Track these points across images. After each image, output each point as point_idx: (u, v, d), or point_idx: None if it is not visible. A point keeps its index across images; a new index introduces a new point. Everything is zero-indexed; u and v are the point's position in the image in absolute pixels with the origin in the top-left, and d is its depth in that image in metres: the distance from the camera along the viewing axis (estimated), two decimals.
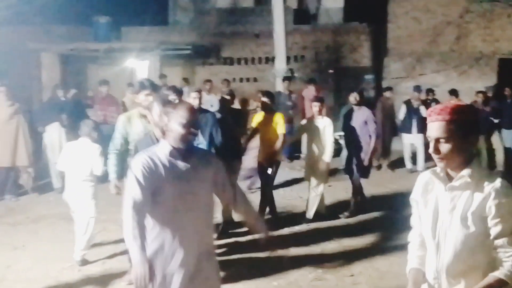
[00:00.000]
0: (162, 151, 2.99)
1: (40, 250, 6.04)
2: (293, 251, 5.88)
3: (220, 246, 6.08)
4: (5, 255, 5.80)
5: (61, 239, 6.43)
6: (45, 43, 14.05)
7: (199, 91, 6.48)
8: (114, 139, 5.05)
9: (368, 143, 7.33)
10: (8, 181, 8.43)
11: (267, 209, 7.10)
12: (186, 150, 3.01)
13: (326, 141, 7.02)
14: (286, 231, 6.68)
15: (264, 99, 7.06)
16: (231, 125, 6.60)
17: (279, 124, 6.95)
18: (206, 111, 6.47)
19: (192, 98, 6.12)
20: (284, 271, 5.28)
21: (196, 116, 3.06)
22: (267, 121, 6.95)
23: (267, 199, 7.09)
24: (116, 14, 16.08)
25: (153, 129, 4.24)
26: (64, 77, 13.97)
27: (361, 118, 7.36)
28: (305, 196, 7.52)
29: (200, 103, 6.18)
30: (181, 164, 2.99)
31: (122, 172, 4.83)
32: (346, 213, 7.31)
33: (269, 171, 7.00)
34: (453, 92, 10.24)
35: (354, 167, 7.37)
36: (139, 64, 14.92)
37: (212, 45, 16.40)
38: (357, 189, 7.51)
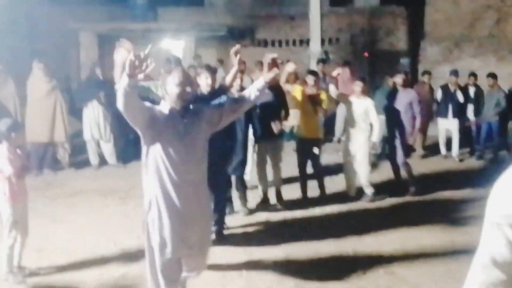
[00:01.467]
0: (163, 109, 3.41)
1: (78, 223, 6.23)
2: (325, 232, 5.95)
3: (251, 226, 6.20)
4: (44, 226, 5.98)
5: (97, 213, 6.64)
6: (84, 23, 14.29)
7: (241, 71, 6.53)
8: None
9: (412, 124, 7.34)
10: (47, 156, 8.67)
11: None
12: (183, 109, 3.40)
13: (372, 121, 7.04)
14: (317, 211, 6.73)
15: (310, 76, 7.07)
16: (271, 104, 6.58)
17: (324, 100, 6.98)
18: (219, 90, 6.45)
19: (204, 78, 6.00)
20: (316, 251, 5.36)
21: (189, 78, 3.46)
22: (310, 98, 6.93)
23: (319, 177, 7.23)
24: None
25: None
26: (102, 56, 14.19)
27: (406, 99, 7.35)
28: (337, 178, 7.55)
29: (213, 83, 6.16)
30: (178, 120, 3.38)
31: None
32: (412, 189, 7.38)
33: (316, 150, 7.05)
34: (492, 76, 10.02)
35: (398, 148, 7.37)
36: (175, 45, 15.05)
37: (247, 27, 16.40)
38: (407, 169, 7.49)
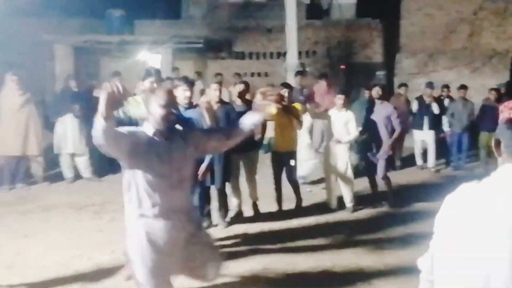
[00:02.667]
0: (146, 131, 3.30)
1: (50, 238, 6.09)
2: (301, 243, 5.92)
3: (228, 239, 6.14)
4: (16, 242, 5.85)
5: (71, 228, 6.51)
6: (59, 35, 14.16)
7: (220, 83, 6.53)
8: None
9: (389, 137, 7.38)
10: (19, 170, 8.51)
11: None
12: (167, 131, 3.30)
13: (351, 132, 7.10)
14: (294, 223, 6.70)
15: (283, 90, 7.05)
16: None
17: (300, 113, 7.00)
18: (226, 103, 6.50)
19: (212, 90, 6.19)
20: (293, 262, 5.32)
21: (173, 98, 3.45)
22: (285, 111, 6.91)
23: (296, 189, 7.21)
24: (129, 7, 16.16)
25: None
26: (77, 68, 14.05)
27: (384, 112, 7.39)
28: (315, 190, 7.54)
29: (220, 95, 6.23)
30: (162, 143, 3.27)
31: None
32: (386, 203, 7.42)
33: (292, 162, 7.03)
34: (463, 88, 10.18)
35: (378, 161, 7.40)
36: (152, 57, 14.98)
37: (224, 39, 16.42)
38: (387, 182, 7.53)
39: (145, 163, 3.23)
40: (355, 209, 7.19)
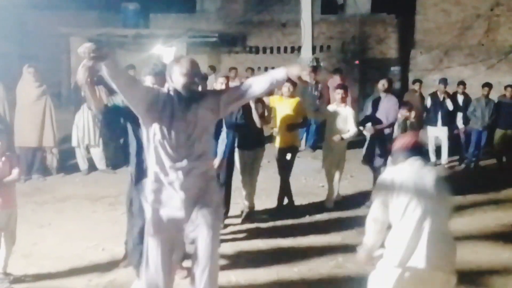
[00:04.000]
0: (168, 93, 3.40)
1: (66, 229, 6.19)
2: (314, 239, 5.95)
3: (242, 231, 6.18)
4: (32, 232, 5.95)
5: (86, 219, 6.60)
6: (75, 28, 14.26)
7: (227, 77, 6.50)
8: None
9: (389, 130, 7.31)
10: (35, 161, 8.62)
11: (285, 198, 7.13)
12: (188, 96, 3.36)
13: (350, 128, 7.03)
14: (307, 219, 6.73)
15: (287, 83, 6.92)
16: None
17: (300, 109, 6.94)
18: None
19: (219, 84, 6.18)
20: (305, 258, 5.35)
21: (197, 68, 3.40)
22: (287, 105, 6.89)
23: (285, 184, 7.04)
24: (145, 1, 16.23)
25: None
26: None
27: (387, 106, 7.29)
28: (327, 186, 7.55)
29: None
30: (181, 106, 3.35)
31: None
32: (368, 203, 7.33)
33: (288, 156, 6.91)
34: (488, 86, 10.10)
35: (376, 156, 7.33)
36: (166, 51, 15.03)
37: (239, 34, 16.43)
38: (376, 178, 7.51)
39: (161, 121, 3.32)
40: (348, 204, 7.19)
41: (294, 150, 7.03)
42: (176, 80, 3.33)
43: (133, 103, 3.32)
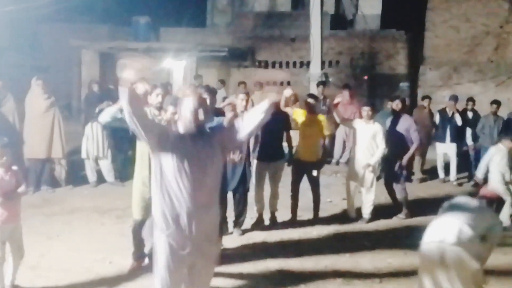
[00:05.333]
0: (176, 132, 3.44)
1: (74, 241, 6.20)
2: (321, 254, 5.92)
3: (249, 247, 6.16)
4: (40, 243, 5.95)
5: (94, 231, 6.61)
6: (86, 41, 14.41)
7: (247, 94, 6.64)
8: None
9: (407, 150, 7.37)
10: (44, 172, 8.65)
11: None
12: (197, 133, 3.40)
13: (379, 145, 7.06)
14: (314, 234, 6.71)
15: (310, 100, 7.11)
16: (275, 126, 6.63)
17: (324, 125, 7.02)
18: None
19: (239, 100, 6.27)
20: (313, 274, 5.33)
21: (204, 104, 3.46)
22: (311, 121, 6.99)
23: (316, 199, 7.23)
24: (156, 14, 16.42)
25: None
26: (103, 74, 14.29)
27: (403, 125, 7.38)
28: (335, 200, 7.55)
29: (247, 105, 6.31)
30: (190, 145, 3.37)
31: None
32: (400, 216, 7.40)
33: (315, 173, 7.04)
34: (496, 103, 10.08)
35: (397, 173, 7.38)
36: (176, 64, 15.15)
37: (248, 48, 16.53)
38: (403, 193, 7.53)
39: (171, 157, 3.34)
40: (370, 219, 7.22)
41: (319, 165, 7.18)
42: (185, 116, 3.41)
43: (145, 132, 3.34)
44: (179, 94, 3.76)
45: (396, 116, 7.63)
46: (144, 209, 5.09)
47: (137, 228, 5.27)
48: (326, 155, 7.40)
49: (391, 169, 7.51)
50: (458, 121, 9.86)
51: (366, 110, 7.16)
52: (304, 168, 7.07)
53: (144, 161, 4.96)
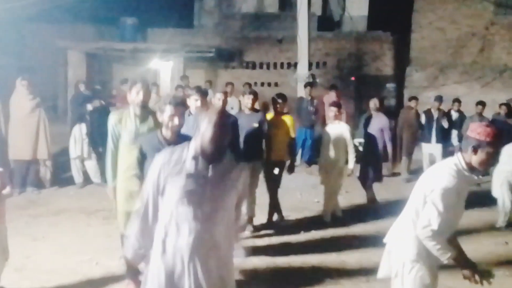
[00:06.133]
0: (190, 152, 2.85)
1: (60, 242, 6.16)
2: (309, 255, 5.94)
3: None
4: (25, 245, 5.91)
5: (80, 233, 6.57)
6: (73, 42, 14.34)
7: (225, 93, 6.54)
8: (108, 141, 4.71)
9: (381, 149, 7.42)
10: (29, 173, 8.59)
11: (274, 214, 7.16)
12: (214, 157, 2.81)
13: (348, 147, 7.05)
14: (302, 235, 6.72)
15: (277, 100, 6.99)
16: (250, 127, 6.60)
17: (290, 126, 6.97)
18: (229, 114, 6.51)
19: (217, 99, 6.23)
20: (301, 275, 5.34)
21: (226, 120, 2.87)
22: (277, 122, 6.94)
23: (273, 199, 7.06)
24: (143, 15, 16.36)
25: (158, 128, 4.05)
26: (90, 75, 14.23)
27: (378, 124, 7.42)
28: (322, 201, 7.56)
29: (224, 105, 6.28)
30: (203, 170, 2.81)
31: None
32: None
33: (276, 171, 6.92)
34: (481, 104, 10.20)
35: (370, 173, 7.43)
36: (163, 65, 15.12)
37: (235, 49, 16.54)
38: (371, 195, 7.60)
39: (178, 188, 2.79)
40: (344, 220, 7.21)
41: (281, 164, 7.03)
42: (204, 135, 2.78)
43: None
44: (177, 96, 3.45)
45: (371, 115, 7.66)
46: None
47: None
48: (292, 156, 7.26)
49: (365, 169, 7.53)
50: (445, 124, 9.94)
51: (333, 110, 7.17)
52: (272, 167, 6.93)
53: (129, 172, 4.45)
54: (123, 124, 4.58)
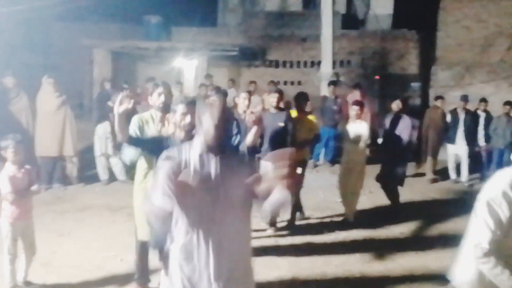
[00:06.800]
0: (195, 149, 2.84)
1: (85, 238, 6.25)
2: (331, 255, 5.92)
3: (260, 248, 6.16)
4: (51, 241, 6.01)
5: (105, 229, 6.65)
6: (98, 40, 14.48)
7: (249, 92, 6.56)
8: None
9: (404, 151, 7.34)
10: (56, 170, 8.72)
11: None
12: (219, 150, 2.81)
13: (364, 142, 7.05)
14: (325, 235, 6.69)
15: (299, 99, 7.05)
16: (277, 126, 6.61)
17: (312, 124, 6.95)
18: (230, 110, 6.53)
19: (241, 98, 6.25)
20: (323, 276, 5.32)
21: (229, 114, 2.95)
22: (300, 121, 6.93)
23: (296, 199, 7.04)
24: (167, 14, 16.46)
25: (171, 131, 3.95)
26: (115, 73, 14.36)
27: (402, 126, 7.34)
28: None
29: (249, 104, 6.29)
30: (212, 165, 2.80)
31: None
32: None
33: (299, 170, 6.95)
34: (509, 104, 10.02)
35: (391, 176, 7.36)
36: (187, 64, 15.19)
37: (259, 48, 16.52)
38: (394, 196, 7.51)
39: (189, 188, 2.73)
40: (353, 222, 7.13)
41: (304, 164, 7.05)
42: (207, 128, 2.79)
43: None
44: (200, 94, 3.45)
45: (395, 116, 7.55)
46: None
47: (142, 249, 4.71)
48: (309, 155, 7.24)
49: (387, 169, 7.49)
50: (470, 123, 9.81)
51: (355, 109, 7.14)
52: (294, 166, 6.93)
53: (149, 177, 4.41)
54: (144, 127, 4.55)
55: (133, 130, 4.49)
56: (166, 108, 4.50)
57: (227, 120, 2.87)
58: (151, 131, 4.54)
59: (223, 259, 2.82)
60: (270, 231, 6.50)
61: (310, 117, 6.98)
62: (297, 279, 5.21)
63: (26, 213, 4.69)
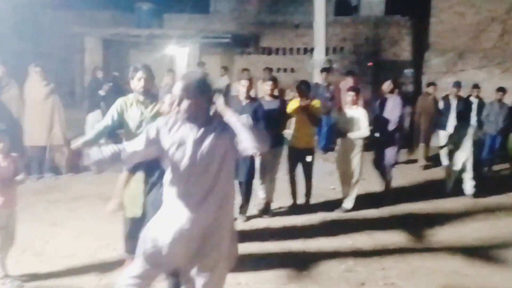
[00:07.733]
0: (175, 120, 3.14)
1: (78, 228, 6.22)
2: (324, 241, 5.93)
3: (252, 232, 6.17)
4: (44, 230, 5.98)
5: (98, 218, 6.59)
6: (89, 28, 14.38)
7: (250, 80, 6.57)
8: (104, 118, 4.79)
9: (393, 132, 7.36)
10: (46, 159, 8.66)
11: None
12: (194, 120, 3.08)
13: (362, 129, 7.02)
14: (317, 221, 6.71)
15: (301, 86, 7.06)
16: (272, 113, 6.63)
17: (317, 109, 6.98)
18: (254, 99, 6.58)
19: (241, 86, 6.24)
20: (315, 261, 5.33)
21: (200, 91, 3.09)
22: (304, 108, 6.94)
23: (309, 186, 7.17)
24: (159, 1, 16.32)
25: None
26: (106, 61, 14.27)
27: (393, 107, 7.34)
28: (339, 188, 7.53)
29: (248, 91, 6.28)
30: (194, 132, 3.08)
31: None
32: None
33: (309, 158, 7.03)
34: (502, 90, 10.03)
35: (384, 157, 7.39)
36: (179, 51, 15.11)
37: (251, 35, 16.45)
38: (388, 181, 7.54)
39: (172, 153, 3.09)
40: (348, 210, 7.11)
41: (311, 151, 7.15)
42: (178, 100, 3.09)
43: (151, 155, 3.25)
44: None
45: (386, 98, 7.56)
46: (139, 206, 4.65)
47: (131, 225, 4.76)
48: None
49: (378, 152, 7.52)
50: (462, 109, 9.81)
51: (350, 95, 7.13)
52: (298, 154, 7.04)
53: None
54: (128, 110, 4.61)
55: (111, 114, 4.61)
56: (147, 92, 4.57)
57: (196, 95, 3.03)
58: (133, 114, 4.60)
59: (200, 219, 3.09)
60: (241, 220, 6.51)
61: (314, 102, 7.01)
62: (289, 264, 5.21)
63: (12, 201, 4.62)
